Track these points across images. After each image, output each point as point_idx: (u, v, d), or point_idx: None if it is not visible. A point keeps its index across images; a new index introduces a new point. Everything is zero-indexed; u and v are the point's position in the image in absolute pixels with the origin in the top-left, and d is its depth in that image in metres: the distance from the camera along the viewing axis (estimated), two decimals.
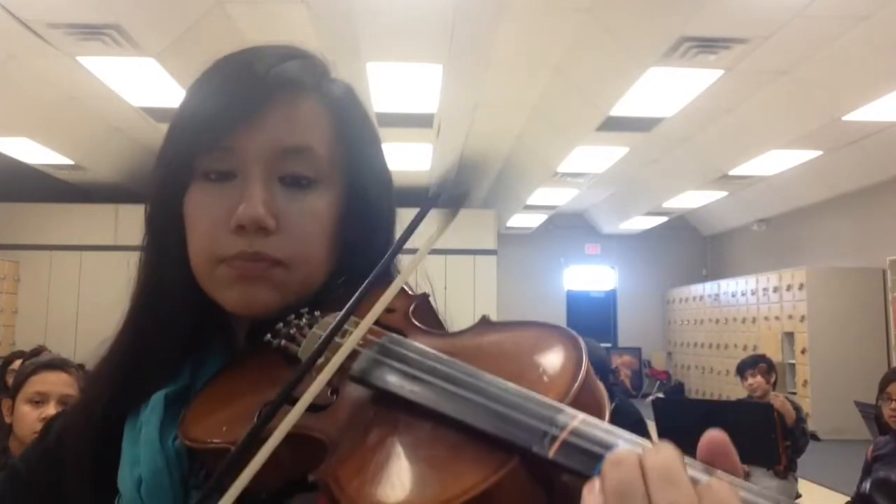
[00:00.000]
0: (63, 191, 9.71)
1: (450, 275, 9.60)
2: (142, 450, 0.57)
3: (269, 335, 0.58)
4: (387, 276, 0.57)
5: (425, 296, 0.61)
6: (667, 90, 6.15)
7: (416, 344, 0.52)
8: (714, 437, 0.37)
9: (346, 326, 0.53)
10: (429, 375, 0.47)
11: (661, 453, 0.35)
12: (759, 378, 4.38)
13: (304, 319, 0.59)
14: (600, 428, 0.39)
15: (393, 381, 0.48)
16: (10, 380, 3.41)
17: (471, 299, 9.66)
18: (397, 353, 0.50)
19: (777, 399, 4.19)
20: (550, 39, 5.71)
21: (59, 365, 2.20)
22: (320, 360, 0.50)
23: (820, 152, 7.84)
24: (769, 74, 6.08)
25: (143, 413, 0.60)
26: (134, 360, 0.63)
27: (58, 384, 2.14)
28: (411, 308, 0.58)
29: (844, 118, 6.53)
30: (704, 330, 11.79)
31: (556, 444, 0.38)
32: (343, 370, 0.51)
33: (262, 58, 0.62)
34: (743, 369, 4.50)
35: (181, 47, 5.19)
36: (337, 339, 0.51)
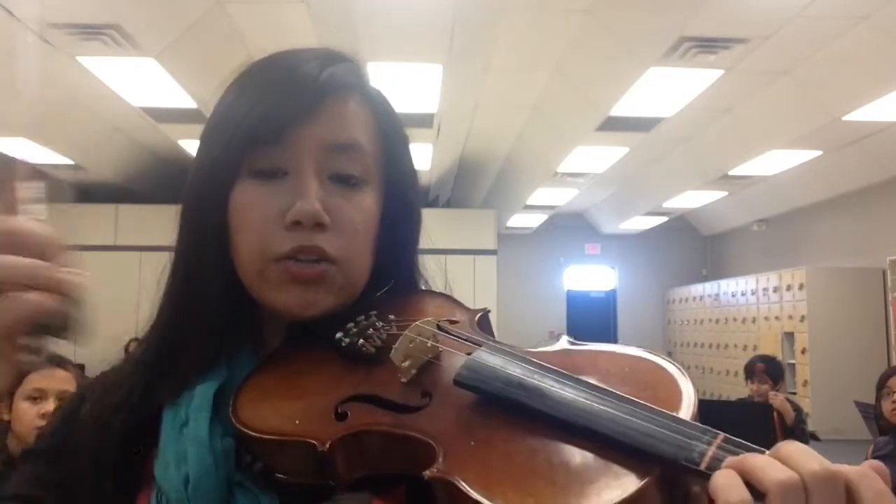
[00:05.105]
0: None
1: (450, 275, 9.52)
2: (189, 447, 0.56)
3: (339, 334, 0.60)
4: (415, 285, 0.64)
5: (487, 311, 0.64)
6: (667, 90, 6.15)
7: (525, 352, 0.54)
8: (876, 467, 0.40)
9: (423, 337, 0.56)
10: (568, 386, 0.48)
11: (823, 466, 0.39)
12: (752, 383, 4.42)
13: (372, 320, 0.61)
14: (734, 440, 0.42)
15: (514, 387, 0.49)
16: None
17: (471, 299, 9.52)
18: (514, 355, 0.52)
19: (776, 399, 4.18)
20: (550, 39, 5.70)
21: (56, 362, 2.21)
22: (405, 363, 0.54)
23: (820, 152, 7.84)
24: (769, 74, 6.08)
25: (185, 407, 0.59)
26: (169, 352, 0.63)
27: (56, 381, 2.15)
28: (476, 320, 0.61)
29: (844, 118, 6.52)
30: (704, 330, 11.78)
31: (709, 454, 0.40)
32: (444, 373, 0.54)
33: (308, 60, 0.64)
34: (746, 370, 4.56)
35: (181, 47, 5.19)
36: (424, 339, 0.56)
